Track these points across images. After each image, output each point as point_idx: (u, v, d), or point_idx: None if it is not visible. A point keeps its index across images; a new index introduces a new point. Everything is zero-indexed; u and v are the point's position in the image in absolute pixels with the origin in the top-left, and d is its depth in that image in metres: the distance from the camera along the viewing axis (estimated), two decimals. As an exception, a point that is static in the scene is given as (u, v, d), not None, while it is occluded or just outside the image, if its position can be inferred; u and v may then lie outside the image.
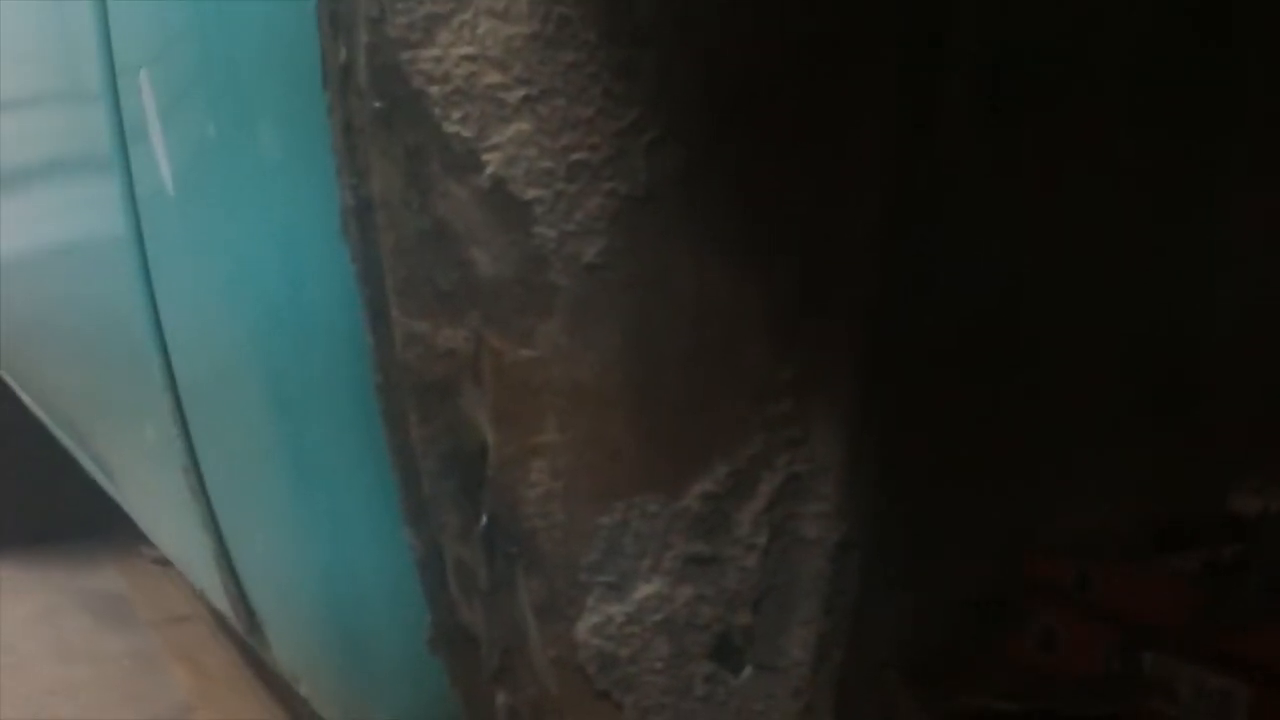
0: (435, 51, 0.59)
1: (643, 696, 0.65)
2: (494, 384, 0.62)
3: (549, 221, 0.60)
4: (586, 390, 0.62)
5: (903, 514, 0.69)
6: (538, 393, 0.62)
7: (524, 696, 0.67)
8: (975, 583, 0.86)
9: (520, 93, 0.59)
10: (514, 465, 0.63)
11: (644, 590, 0.64)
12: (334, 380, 0.75)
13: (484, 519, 0.64)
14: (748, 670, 0.66)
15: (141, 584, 2.69)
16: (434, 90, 0.60)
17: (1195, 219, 0.79)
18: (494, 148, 0.59)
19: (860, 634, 0.67)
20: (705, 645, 0.65)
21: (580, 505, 0.63)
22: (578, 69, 0.59)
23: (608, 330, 0.61)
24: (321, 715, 1.03)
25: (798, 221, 0.62)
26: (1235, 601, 1.06)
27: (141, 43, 0.92)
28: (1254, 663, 1.01)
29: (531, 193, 0.60)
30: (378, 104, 0.61)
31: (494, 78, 0.59)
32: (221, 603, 1.11)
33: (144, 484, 1.41)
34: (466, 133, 0.60)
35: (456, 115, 0.60)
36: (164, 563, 1.98)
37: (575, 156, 0.59)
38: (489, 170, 0.60)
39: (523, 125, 0.59)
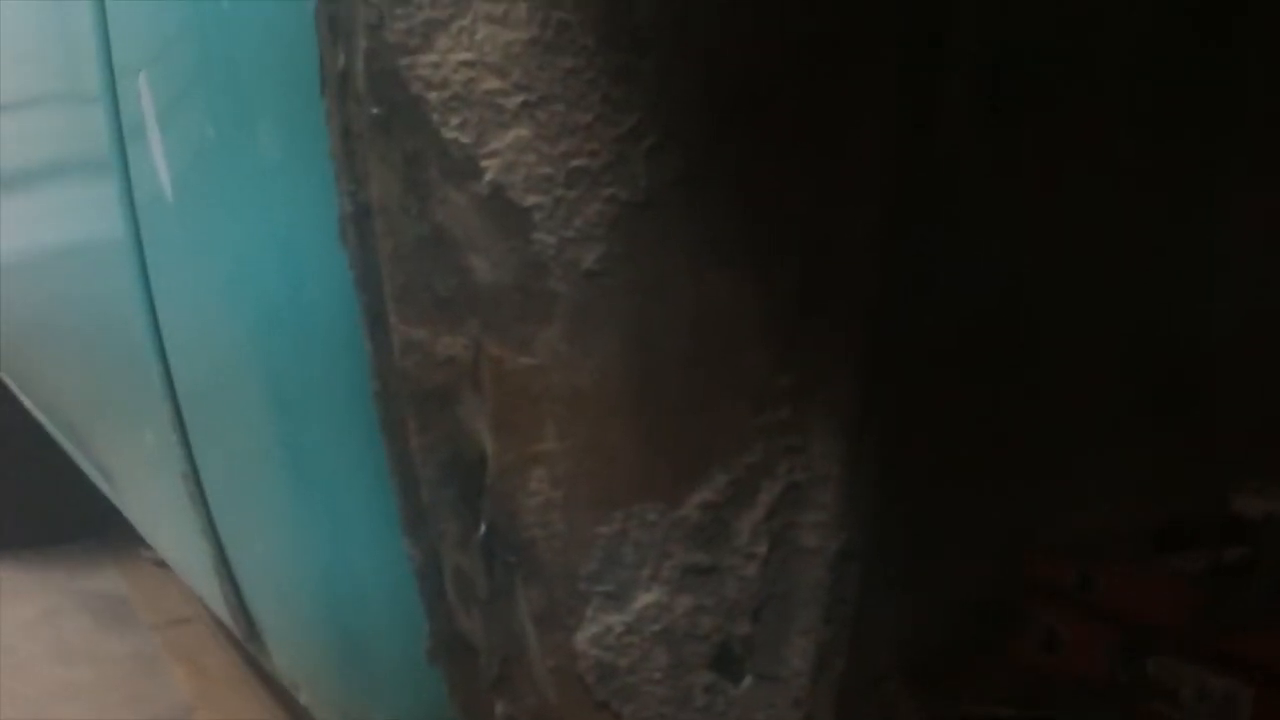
0: (434, 57, 0.59)
1: (642, 707, 0.65)
2: (493, 391, 0.62)
3: (548, 228, 0.60)
4: (586, 397, 0.61)
5: (903, 515, 0.69)
6: (537, 400, 0.62)
7: (523, 706, 0.67)
8: (976, 583, 0.85)
9: (519, 99, 0.59)
10: (513, 473, 0.63)
11: (643, 600, 0.63)
12: (333, 387, 0.75)
13: (483, 528, 0.64)
14: (747, 680, 0.66)
15: (142, 585, 2.69)
16: (432, 96, 0.59)
17: (1195, 219, 0.79)
18: (493, 154, 0.59)
19: (860, 643, 0.67)
20: (705, 655, 0.65)
21: (579, 514, 0.63)
22: (576, 75, 0.58)
23: (607, 337, 0.61)
24: (321, 721, 1.03)
25: (797, 225, 0.62)
26: (1238, 602, 1.06)
27: (140, 45, 0.92)
28: (1256, 664, 1.01)
29: (530, 199, 0.59)
30: (376, 110, 0.61)
31: (492, 84, 0.59)
32: (221, 610, 1.11)
33: (143, 489, 1.41)
34: (465, 139, 0.59)
35: (455, 121, 0.59)
36: (164, 564, 1.98)
37: (574, 163, 0.59)
38: (488, 176, 0.59)
39: (521, 131, 0.59)
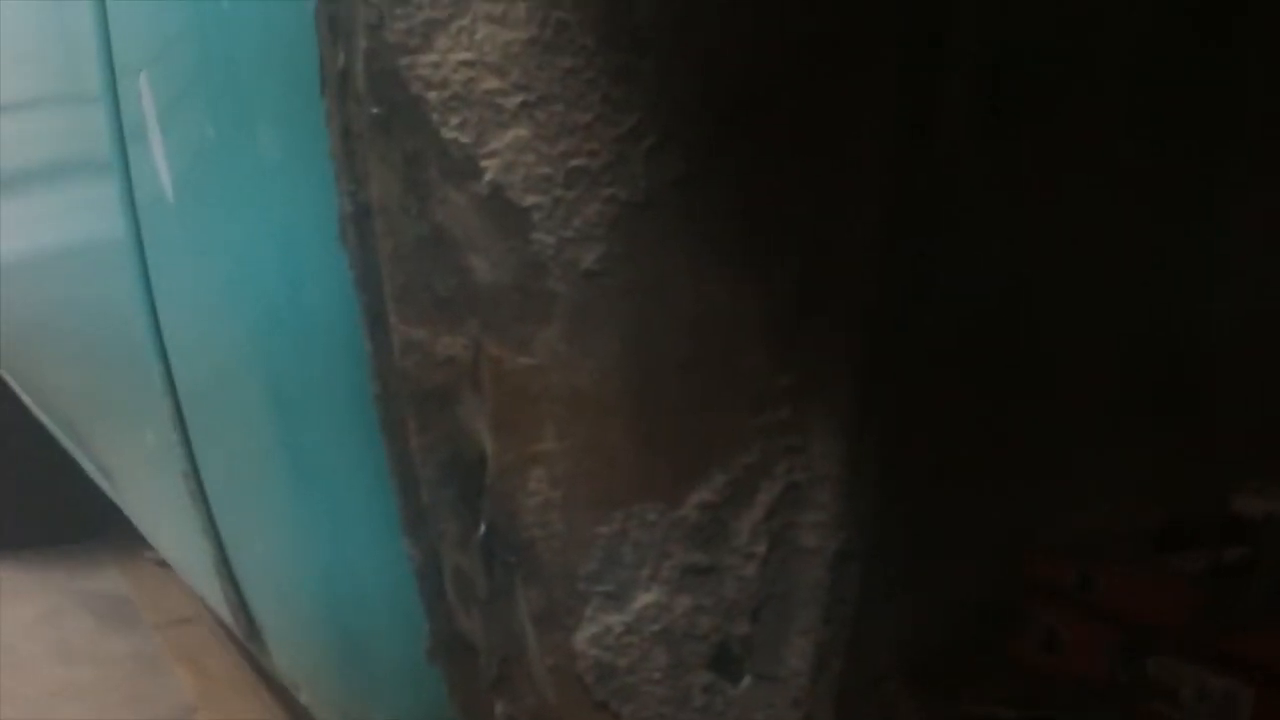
0: (433, 57, 0.59)
1: (641, 707, 0.65)
2: (493, 391, 0.62)
3: (547, 228, 0.60)
4: (585, 398, 0.61)
5: (902, 515, 0.69)
6: (536, 400, 0.62)
7: (522, 706, 0.67)
8: (976, 584, 0.85)
9: (518, 98, 0.59)
10: (513, 474, 0.63)
11: (642, 600, 0.63)
12: (333, 386, 0.75)
13: (483, 527, 0.64)
14: (746, 680, 0.66)
15: (144, 585, 2.69)
16: (432, 96, 0.59)
17: (1195, 220, 0.79)
18: (492, 154, 0.59)
19: (860, 643, 0.67)
20: (704, 655, 0.65)
21: (579, 514, 0.63)
22: (576, 74, 0.58)
23: (606, 337, 0.61)
24: (321, 721, 1.03)
25: (796, 225, 0.62)
26: (1238, 602, 1.06)
27: (141, 45, 0.92)
28: (1257, 664, 1.01)
29: (530, 199, 0.59)
30: (376, 110, 0.61)
31: (492, 83, 0.59)
32: (222, 609, 1.11)
33: (144, 489, 1.41)
34: (465, 139, 0.59)
35: (455, 121, 0.59)
36: (166, 564, 1.98)
37: (574, 163, 0.59)
38: (487, 176, 0.59)
39: (521, 131, 0.59)
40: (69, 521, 2.88)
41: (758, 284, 0.61)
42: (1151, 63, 0.74)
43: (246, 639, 1.10)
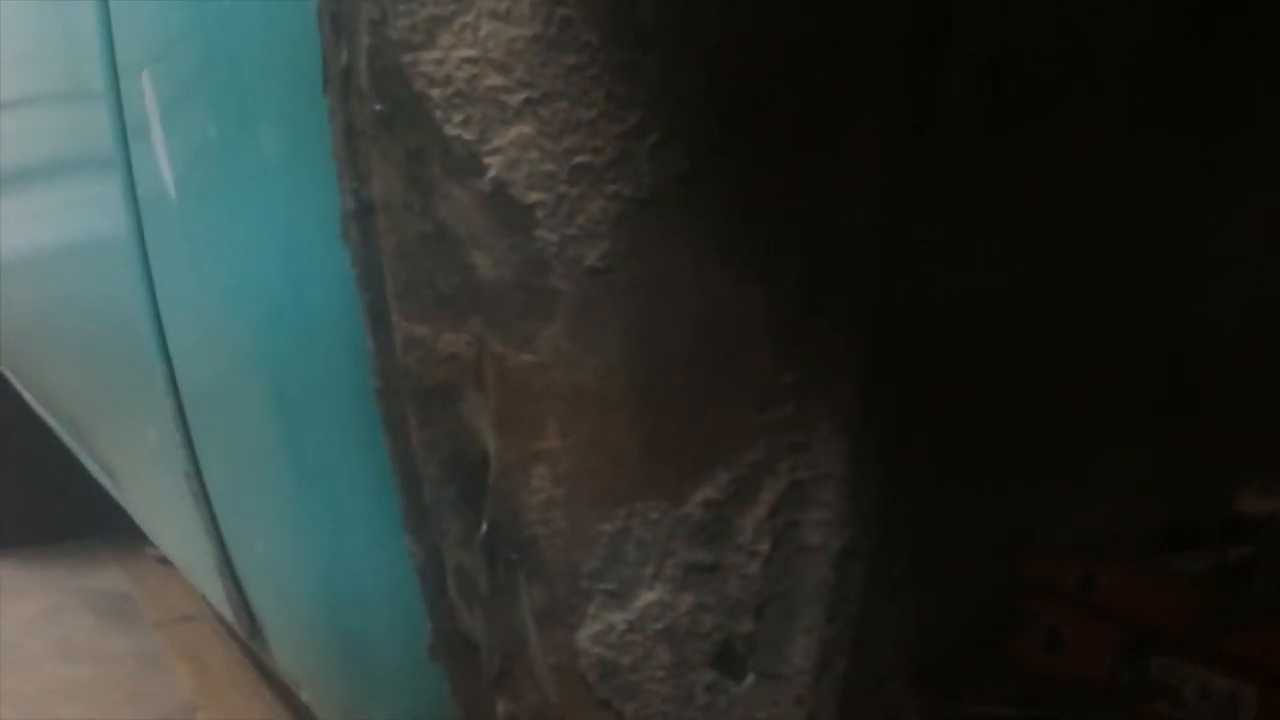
0: (437, 54, 0.59)
1: (644, 705, 0.65)
2: (495, 389, 0.62)
3: (551, 225, 0.60)
4: (588, 395, 0.61)
5: (906, 514, 0.69)
6: (539, 398, 0.62)
7: (524, 704, 0.67)
8: (977, 583, 0.85)
9: (522, 95, 0.59)
10: (515, 471, 0.63)
11: (646, 598, 0.63)
12: (335, 384, 0.75)
13: (485, 525, 0.64)
14: (750, 678, 0.66)
15: (146, 583, 2.69)
16: (435, 93, 0.59)
17: (1196, 218, 0.79)
18: (495, 151, 0.59)
19: (863, 642, 0.67)
20: (707, 653, 0.65)
21: (582, 512, 0.63)
22: (580, 71, 0.58)
23: (610, 334, 0.61)
24: (323, 720, 1.03)
25: (798, 223, 0.62)
26: (1240, 602, 1.06)
27: (143, 43, 0.92)
28: (1259, 663, 1.01)
29: (533, 196, 0.59)
30: (379, 107, 0.61)
31: (496, 80, 0.59)
32: (223, 607, 1.11)
33: (146, 487, 1.41)
34: (468, 135, 0.59)
35: (458, 118, 0.59)
36: (168, 562, 1.98)
37: (577, 159, 0.59)
38: (490, 173, 0.59)
39: (524, 128, 0.59)
40: (70, 519, 2.88)
41: (760, 281, 0.61)
42: (1152, 62, 0.74)
43: (248, 637, 1.10)
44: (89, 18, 0.98)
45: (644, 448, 0.62)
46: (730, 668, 0.65)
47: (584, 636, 0.64)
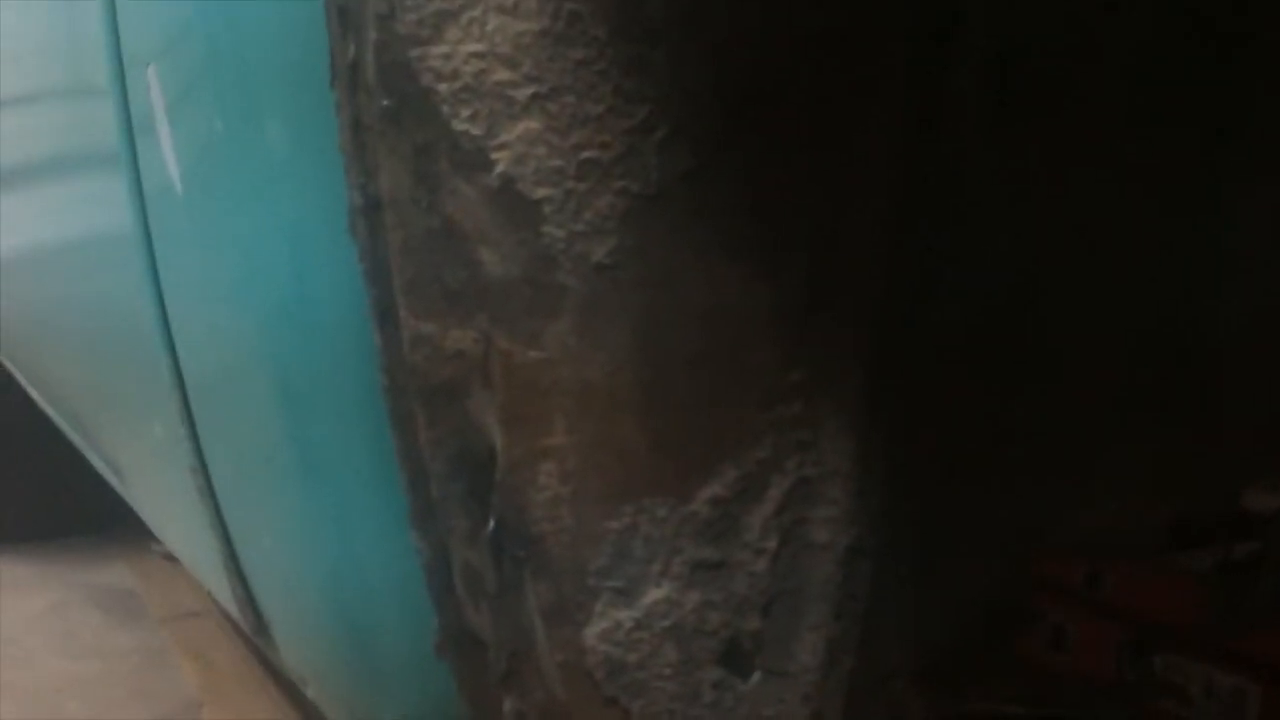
0: (444, 48, 0.59)
1: (651, 702, 0.65)
2: (502, 385, 0.62)
3: (558, 221, 0.59)
4: (595, 392, 0.61)
5: (911, 512, 0.69)
6: (546, 394, 0.61)
7: (531, 701, 0.67)
8: (984, 582, 0.85)
9: (529, 90, 0.58)
10: (522, 468, 0.62)
11: (652, 595, 0.63)
12: (342, 380, 0.75)
13: (492, 522, 0.64)
14: (756, 676, 0.66)
15: (151, 579, 2.70)
16: (443, 88, 0.59)
17: (1203, 215, 0.78)
18: (503, 146, 0.59)
19: (870, 639, 0.67)
20: (714, 651, 0.65)
21: (589, 509, 0.63)
22: (587, 66, 0.58)
23: (617, 331, 0.60)
24: (329, 717, 1.03)
25: (804, 220, 0.62)
26: (1247, 600, 1.06)
27: (149, 37, 0.92)
28: (1264, 661, 1.01)
29: (540, 191, 0.59)
30: (386, 102, 0.61)
31: (503, 75, 0.58)
32: (229, 604, 1.11)
33: (151, 483, 1.41)
34: (475, 131, 0.59)
35: (465, 113, 0.59)
36: (174, 558, 1.98)
37: (585, 155, 0.59)
38: (498, 169, 0.59)
39: (532, 123, 0.59)
40: (75, 515, 2.89)
41: (767, 278, 0.61)
42: (1158, 57, 0.73)
43: (254, 633, 1.09)
44: (95, 11, 0.98)
45: (651, 445, 0.62)
46: (737, 665, 0.65)
47: (591, 634, 0.64)
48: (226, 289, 0.87)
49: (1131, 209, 0.74)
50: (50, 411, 2.11)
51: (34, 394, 2.21)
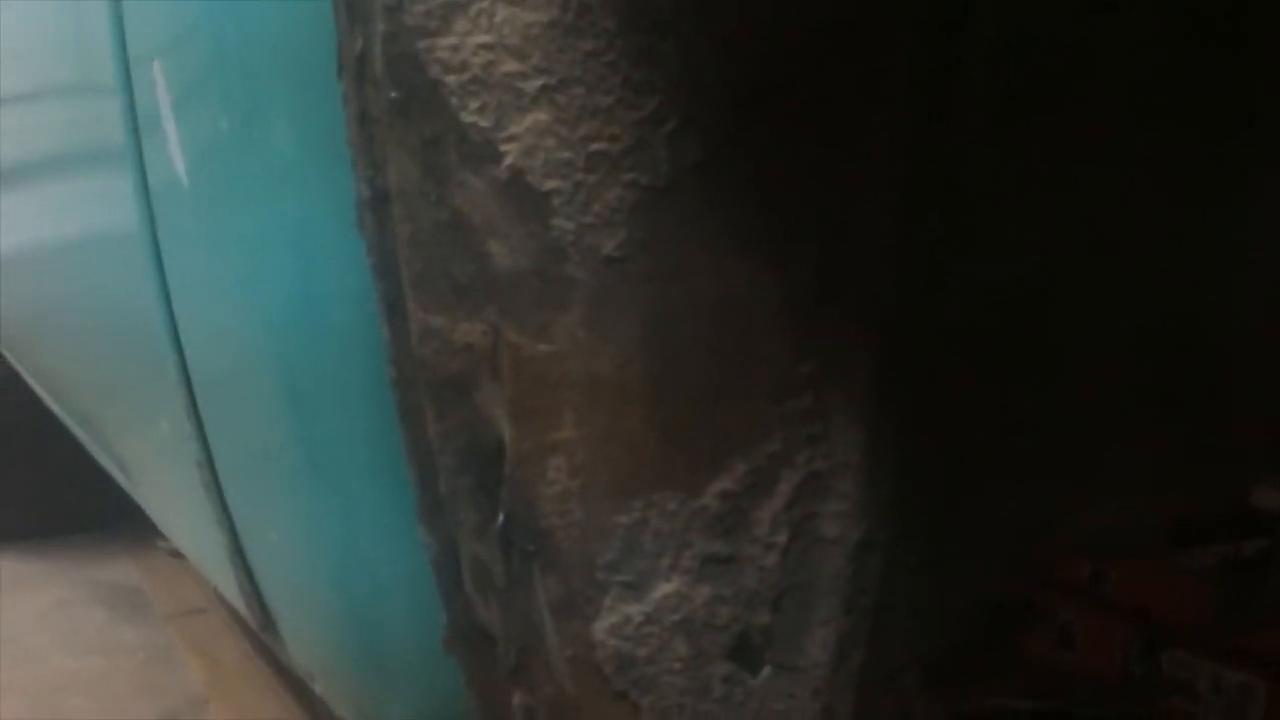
0: (452, 40, 0.59)
1: (660, 697, 0.64)
2: (511, 379, 0.61)
3: (567, 213, 0.59)
4: (605, 385, 0.61)
5: (921, 507, 0.69)
6: (555, 388, 0.61)
7: (540, 696, 0.67)
8: (992, 579, 0.85)
9: (538, 82, 0.58)
10: (531, 462, 0.62)
11: (662, 590, 0.63)
12: (349, 375, 0.75)
13: (501, 516, 0.64)
14: (766, 670, 0.65)
15: (156, 576, 2.70)
16: (451, 79, 0.59)
17: (1211, 210, 0.78)
18: (512, 138, 0.59)
19: (880, 634, 0.67)
20: (724, 645, 0.64)
21: (598, 503, 0.62)
22: (597, 57, 0.58)
23: (626, 324, 0.60)
24: (337, 713, 1.03)
25: (813, 212, 0.61)
26: (1254, 598, 1.06)
27: (155, 33, 0.91)
28: (1271, 658, 1.01)
29: (549, 184, 0.59)
30: (394, 94, 0.60)
31: (512, 66, 0.58)
32: (235, 599, 1.11)
33: (158, 478, 1.41)
34: (484, 123, 0.59)
35: (474, 105, 0.59)
36: (179, 555, 1.98)
37: (594, 147, 0.59)
38: (507, 161, 0.59)
39: (541, 115, 0.58)
40: (80, 512, 2.89)
41: (776, 271, 0.61)
42: (1166, 51, 0.73)
43: (260, 629, 1.09)
44: (100, 8, 0.98)
45: (660, 439, 0.62)
46: (747, 660, 0.65)
47: (600, 628, 0.64)
48: (232, 285, 0.87)
49: (1140, 202, 0.74)
50: (55, 408, 2.11)
51: (39, 390, 2.22)
